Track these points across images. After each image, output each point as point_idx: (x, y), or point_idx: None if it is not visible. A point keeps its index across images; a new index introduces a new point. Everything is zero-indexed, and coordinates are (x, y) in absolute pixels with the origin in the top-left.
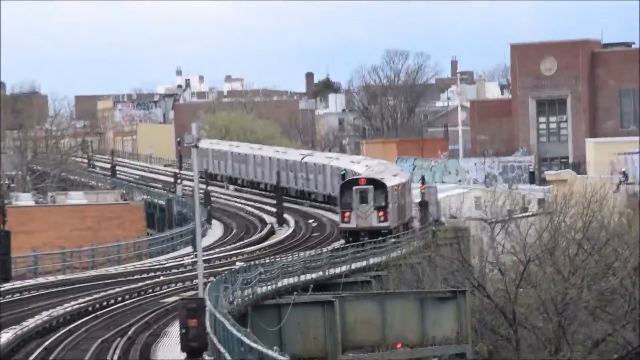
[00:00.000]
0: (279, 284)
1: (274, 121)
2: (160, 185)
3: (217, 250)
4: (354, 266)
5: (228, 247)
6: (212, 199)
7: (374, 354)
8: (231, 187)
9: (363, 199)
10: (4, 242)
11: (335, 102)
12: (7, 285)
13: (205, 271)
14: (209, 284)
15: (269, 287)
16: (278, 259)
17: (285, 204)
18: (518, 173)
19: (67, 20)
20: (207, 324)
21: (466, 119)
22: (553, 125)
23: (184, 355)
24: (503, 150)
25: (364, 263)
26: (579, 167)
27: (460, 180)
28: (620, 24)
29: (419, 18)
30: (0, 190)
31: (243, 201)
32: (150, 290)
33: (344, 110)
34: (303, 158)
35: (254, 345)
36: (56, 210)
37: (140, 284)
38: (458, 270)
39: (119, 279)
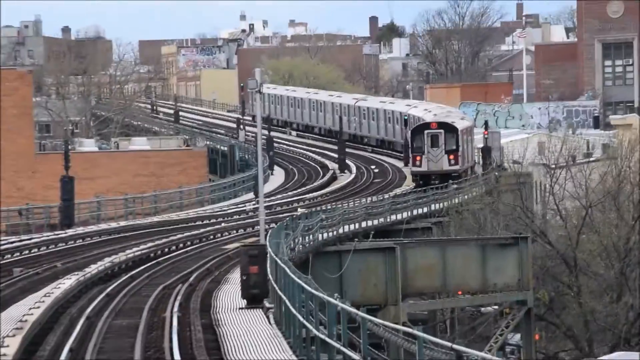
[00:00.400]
0: (340, 231)
1: (338, 66)
2: (223, 131)
3: (279, 196)
4: (415, 213)
5: (289, 193)
6: (274, 144)
7: (434, 300)
8: (293, 132)
9: (434, 143)
10: (67, 188)
11: (400, 47)
12: (70, 231)
13: (266, 218)
14: (270, 231)
15: (330, 234)
16: (339, 206)
17: (348, 150)
18: (582, 118)
19: None
20: (268, 270)
21: (531, 63)
22: (619, 69)
23: (244, 302)
24: (567, 94)
25: (425, 209)
26: None
27: (523, 125)
28: None
29: None
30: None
31: (305, 147)
32: (211, 237)
33: (407, 54)
34: (356, 102)
35: (315, 292)
36: (119, 156)
37: (202, 230)
38: (519, 217)
39: (180, 225)
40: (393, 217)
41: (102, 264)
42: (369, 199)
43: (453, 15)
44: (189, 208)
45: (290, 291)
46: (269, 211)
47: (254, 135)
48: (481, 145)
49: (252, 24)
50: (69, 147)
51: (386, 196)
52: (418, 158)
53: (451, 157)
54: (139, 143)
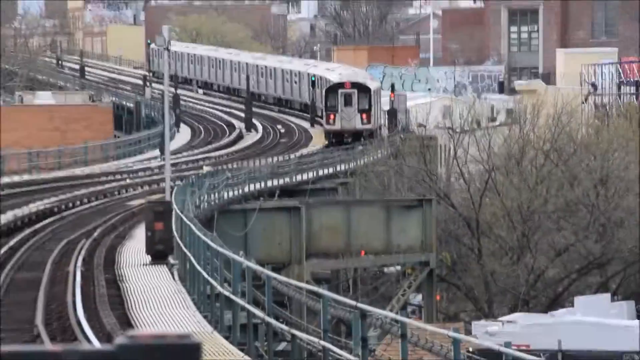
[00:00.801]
0: (246, 189)
1: (245, 25)
2: (129, 88)
3: (185, 154)
4: (321, 173)
5: (196, 151)
6: (181, 102)
7: (338, 260)
8: (200, 91)
9: (347, 102)
10: None
11: (308, 8)
12: None
13: (172, 175)
14: (175, 188)
15: (236, 192)
16: (245, 164)
17: (255, 110)
18: (488, 82)
19: None
20: (173, 227)
21: (438, 27)
22: (524, 35)
23: (149, 258)
24: (474, 59)
25: (331, 170)
26: (549, 77)
27: (429, 89)
28: None
29: None
30: None
31: (212, 105)
32: (116, 193)
33: (315, 16)
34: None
35: (219, 249)
36: (24, 110)
37: (107, 186)
38: (424, 179)
39: (85, 181)
40: (299, 177)
41: (5, 217)
42: (275, 158)
43: None
44: (93, 164)
45: (195, 248)
46: (174, 168)
47: (160, 92)
48: (387, 107)
49: None
50: None
51: (292, 156)
52: (332, 116)
53: (364, 116)
54: (44, 97)
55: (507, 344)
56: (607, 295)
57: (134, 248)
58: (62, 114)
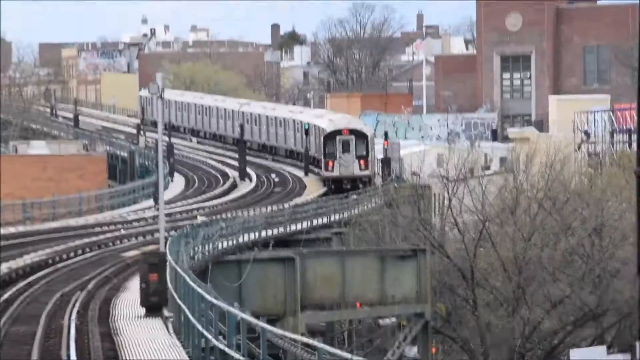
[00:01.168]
0: (240, 240)
1: (239, 73)
2: (123, 137)
3: (179, 203)
4: (315, 223)
5: (190, 200)
6: (175, 151)
7: (333, 312)
8: (194, 139)
9: (345, 149)
10: None
11: (301, 55)
12: None
13: (166, 225)
14: (170, 238)
15: (230, 243)
16: (239, 214)
17: (249, 158)
18: (481, 130)
19: None
20: (168, 278)
21: (431, 74)
22: (517, 82)
23: (143, 310)
24: (467, 106)
25: (325, 220)
26: (542, 124)
27: (423, 137)
28: None
29: None
30: None
31: (206, 154)
32: (110, 244)
33: (309, 63)
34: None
35: (214, 301)
36: (17, 160)
37: (101, 236)
38: (418, 229)
39: (79, 232)
40: (293, 226)
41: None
42: (269, 208)
43: (354, 24)
44: (87, 214)
45: (189, 300)
46: (169, 218)
47: (154, 141)
48: (381, 155)
49: (154, 29)
50: None
51: (286, 205)
52: (330, 163)
53: (362, 162)
54: (38, 147)
55: None
56: (603, 348)
57: (129, 300)
58: (56, 164)
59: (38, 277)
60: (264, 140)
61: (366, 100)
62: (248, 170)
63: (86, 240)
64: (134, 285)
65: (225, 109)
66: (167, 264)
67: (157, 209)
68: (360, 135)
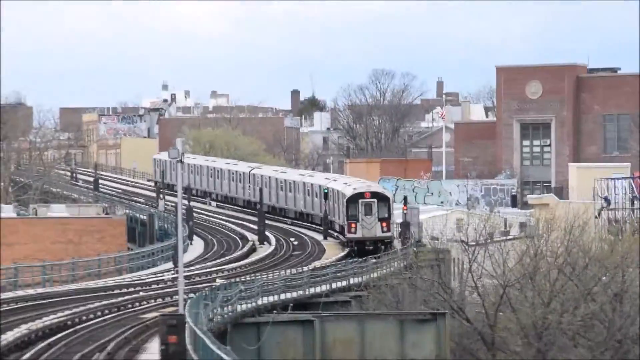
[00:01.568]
0: (259, 302)
1: (259, 138)
2: (142, 200)
3: (198, 266)
4: (334, 286)
5: (209, 263)
6: (194, 214)
7: None
8: (213, 203)
9: (368, 211)
10: None
11: (321, 121)
12: None
13: (185, 287)
14: (189, 301)
15: (249, 305)
16: (258, 277)
17: (267, 222)
18: (500, 196)
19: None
20: (187, 340)
21: (450, 140)
22: (537, 149)
23: None
24: (486, 172)
25: (344, 283)
26: (562, 191)
27: (442, 202)
28: (606, 49)
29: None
30: None
31: (225, 217)
32: (130, 306)
33: (328, 128)
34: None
35: None
36: (37, 223)
37: (120, 299)
38: (438, 292)
39: (98, 294)
40: (312, 289)
41: (19, 330)
42: (288, 271)
43: (374, 90)
44: (107, 276)
45: None
46: (188, 281)
47: (173, 204)
48: (400, 220)
49: (174, 94)
50: None
51: (305, 269)
52: (353, 225)
53: (384, 224)
54: (58, 210)
55: None
56: None
57: None
58: (75, 227)
59: (57, 338)
60: (281, 204)
61: (385, 165)
62: (267, 233)
63: (105, 302)
64: (154, 347)
65: (236, 172)
66: (187, 326)
67: (177, 272)
68: (382, 198)
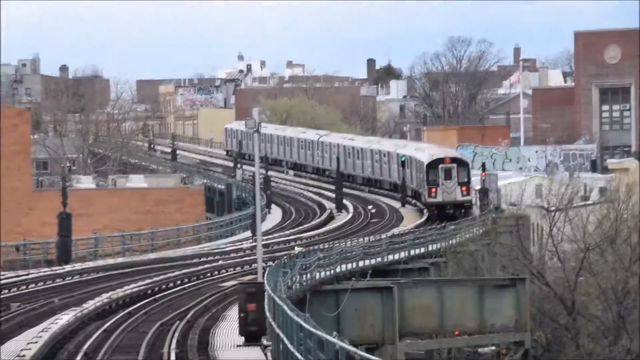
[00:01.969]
0: (338, 270)
1: (335, 107)
2: (220, 170)
3: (276, 235)
4: (412, 253)
5: (287, 232)
6: (272, 184)
7: (431, 340)
8: (291, 172)
9: (448, 176)
10: (65, 224)
11: (397, 89)
12: (67, 267)
13: (264, 256)
14: (267, 269)
15: (328, 273)
16: (337, 245)
17: (345, 190)
18: (580, 161)
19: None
20: (266, 308)
21: (528, 106)
22: (616, 114)
23: (242, 339)
24: (565, 138)
25: (422, 250)
26: None
27: (521, 168)
28: None
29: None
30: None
31: (302, 186)
32: (209, 274)
33: (405, 96)
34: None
35: (313, 330)
36: (116, 194)
37: (199, 267)
38: (517, 258)
39: (178, 263)
40: (390, 257)
41: (100, 300)
42: (367, 238)
43: (451, 58)
44: (186, 245)
45: (288, 329)
46: (266, 249)
47: (251, 174)
48: (478, 187)
49: (250, 65)
50: (67, 184)
51: (383, 236)
52: (433, 190)
53: (463, 188)
54: (137, 180)
55: None
56: None
57: (228, 329)
58: (154, 197)
59: (137, 307)
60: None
61: (463, 133)
62: (345, 202)
63: (184, 271)
64: (233, 314)
65: (305, 140)
66: (265, 293)
67: (255, 240)
68: (461, 163)
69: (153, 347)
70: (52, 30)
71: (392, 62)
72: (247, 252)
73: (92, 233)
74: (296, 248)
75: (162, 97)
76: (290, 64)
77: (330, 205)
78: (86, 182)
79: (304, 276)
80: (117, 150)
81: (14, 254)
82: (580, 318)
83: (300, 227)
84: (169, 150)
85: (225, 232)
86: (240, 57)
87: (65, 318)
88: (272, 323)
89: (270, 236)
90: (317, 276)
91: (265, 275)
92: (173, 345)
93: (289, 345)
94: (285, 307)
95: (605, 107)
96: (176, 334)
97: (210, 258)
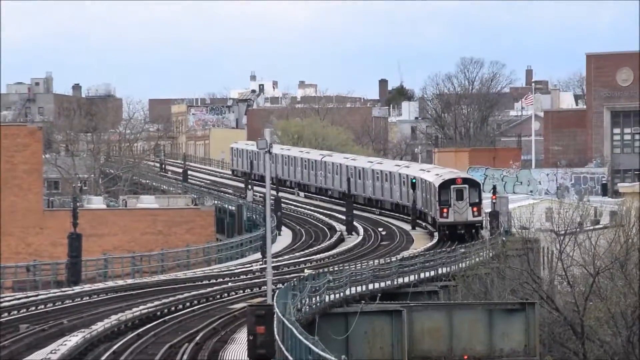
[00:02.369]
0: (347, 292)
1: (347, 128)
2: (231, 191)
3: (286, 257)
4: (422, 276)
5: (297, 254)
6: (282, 205)
7: None
8: (301, 193)
9: (459, 197)
10: (75, 245)
11: (409, 110)
12: (77, 288)
13: (274, 278)
14: (277, 291)
15: (337, 296)
16: (346, 267)
17: (355, 212)
18: (590, 185)
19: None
20: (275, 331)
21: (540, 128)
22: (627, 137)
23: None
24: (576, 161)
25: (432, 273)
26: None
27: (531, 191)
28: None
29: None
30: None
31: (313, 208)
32: (218, 296)
33: (416, 118)
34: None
35: (322, 353)
36: (127, 214)
37: (209, 289)
38: (527, 282)
39: (187, 284)
40: (400, 280)
41: (109, 321)
42: (376, 261)
43: (462, 79)
44: (195, 267)
45: (297, 352)
46: (276, 271)
47: (262, 195)
48: (489, 209)
49: (262, 85)
50: (77, 204)
51: (393, 259)
52: (445, 210)
53: (474, 209)
54: (147, 201)
55: None
56: None
57: (237, 352)
58: (165, 218)
59: (147, 328)
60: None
61: (474, 154)
62: (355, 223)
63: (194, 292)
64: (242, 337)
65: (308, 160)
66: (275, 316)
67: (265, 262)
68: (473, 184)
69: None
70: (66, 49)
71: (404, 83)
72: (257, 274)
73: (102, 254)
74: (306, 270)
75: (174, 117)
76: (302, 84)
77: (340, 227)
78: (97, 202)
79: (314, 299)
80: (129, 171)
81: (24, 274)
82: (590, 343)
83: (310, 249)
84: (180, 170)
85: (235, 253)
86: (253, 77)
87: (74, 340)
88: (281, 346)
89: (280, 258)
90: (327, 299)
91: (275, 298)
92: None
93: None
94: (294, 330)
95: (617, 130)
96: (185, 356)
97: (220, 280)
